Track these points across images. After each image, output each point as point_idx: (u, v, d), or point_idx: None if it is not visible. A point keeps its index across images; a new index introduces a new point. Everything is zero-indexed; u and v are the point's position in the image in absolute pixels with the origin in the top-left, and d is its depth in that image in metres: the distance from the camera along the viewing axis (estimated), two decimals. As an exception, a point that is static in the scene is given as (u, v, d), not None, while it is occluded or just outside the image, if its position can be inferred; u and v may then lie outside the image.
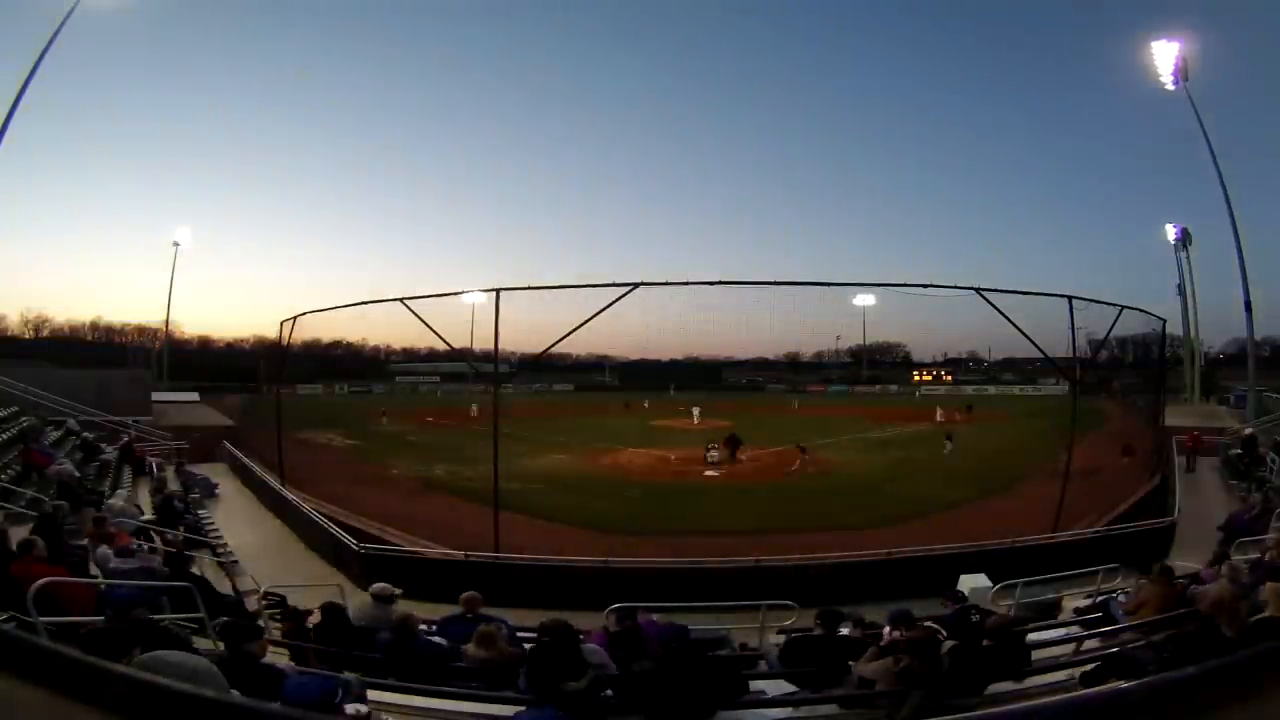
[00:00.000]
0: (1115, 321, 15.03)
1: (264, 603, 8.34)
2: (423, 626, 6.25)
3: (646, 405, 48.51)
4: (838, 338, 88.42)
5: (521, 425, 32.33)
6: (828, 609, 5.80)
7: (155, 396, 27.33)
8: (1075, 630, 6.63)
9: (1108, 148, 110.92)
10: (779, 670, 5.42)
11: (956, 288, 13.21)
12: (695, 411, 38.16)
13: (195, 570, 8.48)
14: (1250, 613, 4.55)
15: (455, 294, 14.56)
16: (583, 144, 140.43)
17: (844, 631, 5.83)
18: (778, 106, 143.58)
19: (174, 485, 15.14)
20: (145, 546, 8.76)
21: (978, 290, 12.93)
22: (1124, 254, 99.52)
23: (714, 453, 22.80)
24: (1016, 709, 2.00)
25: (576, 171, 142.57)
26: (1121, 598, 7.10)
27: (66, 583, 5.49)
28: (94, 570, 6.91)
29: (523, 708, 4.06)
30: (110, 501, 10.95)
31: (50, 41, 20.46)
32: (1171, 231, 34.36)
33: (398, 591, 6.73)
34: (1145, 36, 26.80)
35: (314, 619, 6.30)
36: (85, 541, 7.60)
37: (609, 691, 4.35)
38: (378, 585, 6.71)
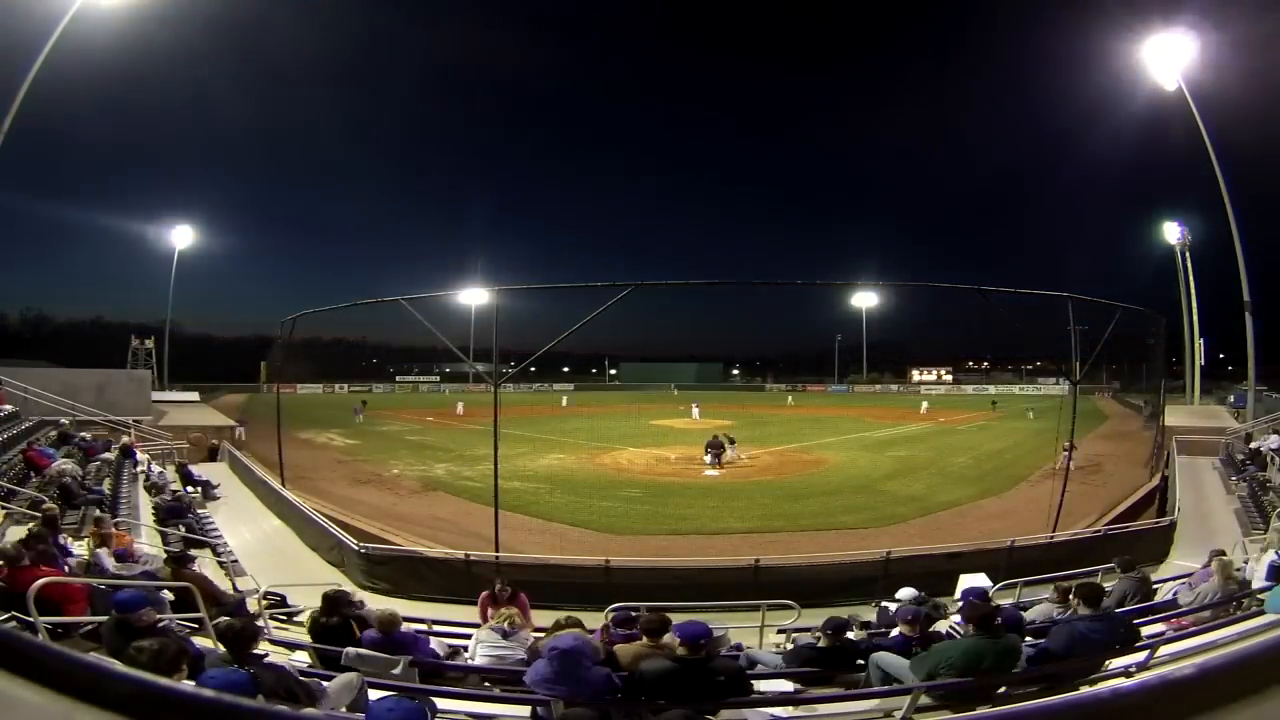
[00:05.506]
0: (1114, 322, 15.01)
1: (264, 603, 8.33)
2: (421, 628, 6.23)
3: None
4: (838, 337, 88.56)
5: (518, 425, 32.33)
6: (834, 619, 5.53)
7: (155, 396, 27.30)
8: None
9: (1108, 146, 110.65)
10: (780, 670, 5.39)
11: (957, 286, 13.22)
12: (695, 410, 38.11)
13: (195, 568, 8.45)
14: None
15: (455, 293, 14.59)
16: (583, 144, 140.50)
17: (849, 636, 5.56)
18: (778, 106, 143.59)
19: (174, 485, 15.14)
20: (143, 549, 8.76)
21: (978, 289, 12.89)
22: (1124, 254, 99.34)
23: (709, 456, 22.69)
24: (1016, 709, 2.00)
25: (577, 172, 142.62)
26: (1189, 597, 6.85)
27: (68, 583, 5.49)
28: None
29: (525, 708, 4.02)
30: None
31: (51, 39, 20.45)
32: (1173, 231, 34.29)
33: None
34: (1145, 35, 26.71)
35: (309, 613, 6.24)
36: (86, 542, 7.60)
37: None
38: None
